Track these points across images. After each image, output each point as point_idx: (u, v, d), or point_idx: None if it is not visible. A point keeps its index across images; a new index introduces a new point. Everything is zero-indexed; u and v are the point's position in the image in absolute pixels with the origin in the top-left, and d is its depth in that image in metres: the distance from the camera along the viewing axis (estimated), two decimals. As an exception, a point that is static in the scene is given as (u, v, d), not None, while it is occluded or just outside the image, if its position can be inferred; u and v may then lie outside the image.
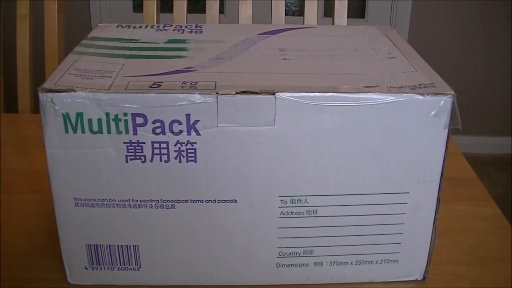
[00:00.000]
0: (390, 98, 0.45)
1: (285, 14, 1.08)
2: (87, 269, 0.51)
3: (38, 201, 0.64)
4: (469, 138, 2.34)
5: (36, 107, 0.45)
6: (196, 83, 0.45)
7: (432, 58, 0.50)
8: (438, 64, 0.49)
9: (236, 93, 0.44)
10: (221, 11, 2.21)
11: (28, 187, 0.68)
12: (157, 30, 0.59)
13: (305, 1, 1.07)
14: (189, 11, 1.09)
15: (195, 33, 0.59)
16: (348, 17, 1.07)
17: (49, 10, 1.06)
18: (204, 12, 1.08)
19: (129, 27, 0.60)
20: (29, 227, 0.60)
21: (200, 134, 0.45)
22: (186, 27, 0.60)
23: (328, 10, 2.06)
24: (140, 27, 0.60)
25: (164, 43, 0.55)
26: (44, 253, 0.56)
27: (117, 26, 0.60)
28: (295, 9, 2.33)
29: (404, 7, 2.24)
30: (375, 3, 2.26)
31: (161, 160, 0.46)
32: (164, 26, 0.60)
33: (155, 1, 1.06)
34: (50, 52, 1.05)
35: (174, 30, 0.59)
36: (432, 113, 0.45)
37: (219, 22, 1.10)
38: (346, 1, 1.06)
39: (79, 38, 0.55)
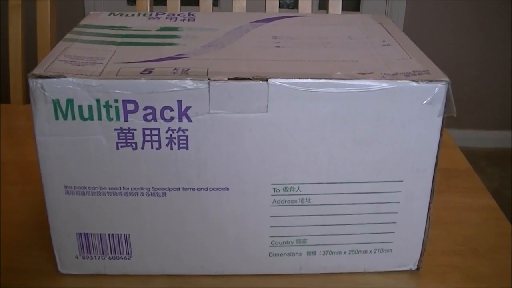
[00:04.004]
0: (383, 84, 0.44)
1: (279, 7, 1.08)
2: (77, 258, 0.50)
3: (29, 191, 0.64)
4: (463, 132, 2.35)
5: (28, 98, 0.44)
6: (188, 69, 0.45)
7: (427, 53, 0.50)
8: (432, 58, 0.49)
9: (228, 79, 0.43)
10: (215, 4, 2.21)
11: (18, 177, 0.67)
12: (149, 18, 0.58)
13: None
14: (183, 4, 1.09)
15: (188, 21, 0.58)
16: (342, 10, 1.06)
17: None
18: (198, 5, 1.08)
19: (121, 15, 0.59)
20: (19, 217, 0.59)
21: (191, 121, 0.44)
22: (178, 15, 0.60)
23: (322, 3, 2.05)
24: (133, 15, 0.59)
25: (156, 30, 0.55)
26: (34, 243, 0.55)
27: (109, 14, 0.59)
28: (290, 2, 2.32)
29: (399, 1, 2.24)
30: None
31: (152, 147, 0.45)
32: (157, 14, 0.60)
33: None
34: (42, 42, 1.05)
35: (166, 18, 0.59)
36: (427, 100, 0.45)
37: (212, 13, 1.10)
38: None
39: (72, 28, 0.55)
